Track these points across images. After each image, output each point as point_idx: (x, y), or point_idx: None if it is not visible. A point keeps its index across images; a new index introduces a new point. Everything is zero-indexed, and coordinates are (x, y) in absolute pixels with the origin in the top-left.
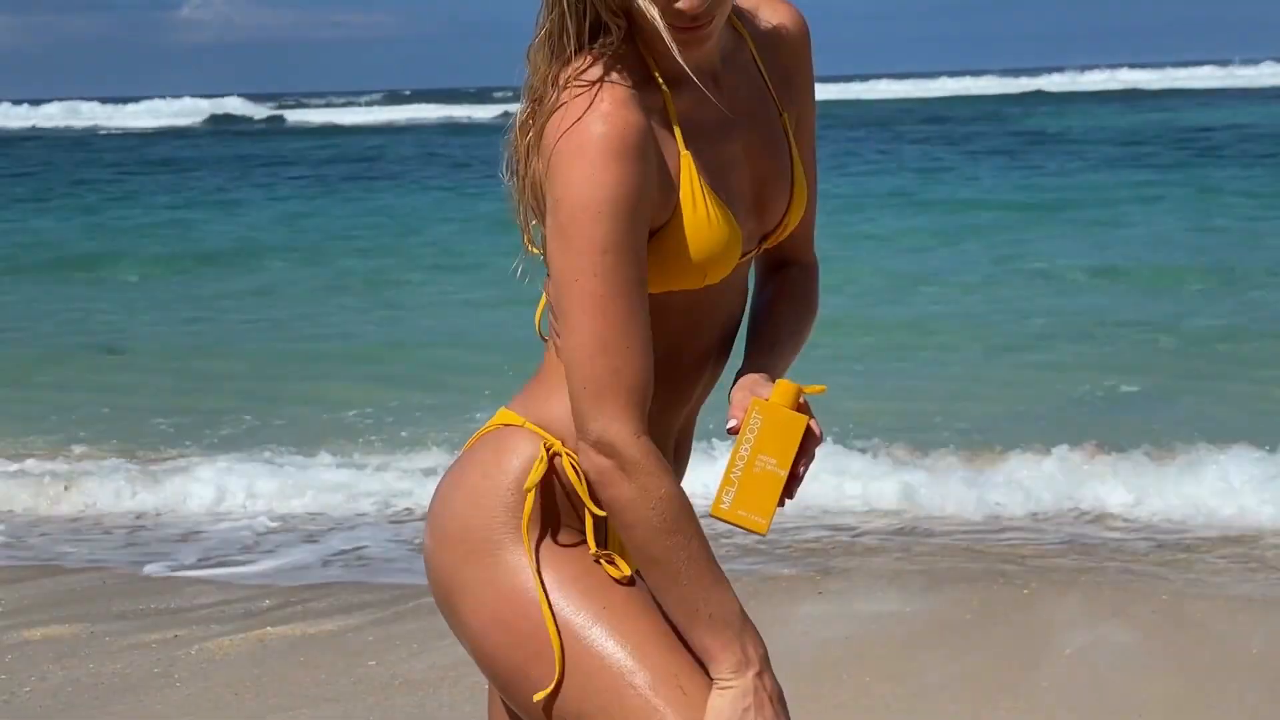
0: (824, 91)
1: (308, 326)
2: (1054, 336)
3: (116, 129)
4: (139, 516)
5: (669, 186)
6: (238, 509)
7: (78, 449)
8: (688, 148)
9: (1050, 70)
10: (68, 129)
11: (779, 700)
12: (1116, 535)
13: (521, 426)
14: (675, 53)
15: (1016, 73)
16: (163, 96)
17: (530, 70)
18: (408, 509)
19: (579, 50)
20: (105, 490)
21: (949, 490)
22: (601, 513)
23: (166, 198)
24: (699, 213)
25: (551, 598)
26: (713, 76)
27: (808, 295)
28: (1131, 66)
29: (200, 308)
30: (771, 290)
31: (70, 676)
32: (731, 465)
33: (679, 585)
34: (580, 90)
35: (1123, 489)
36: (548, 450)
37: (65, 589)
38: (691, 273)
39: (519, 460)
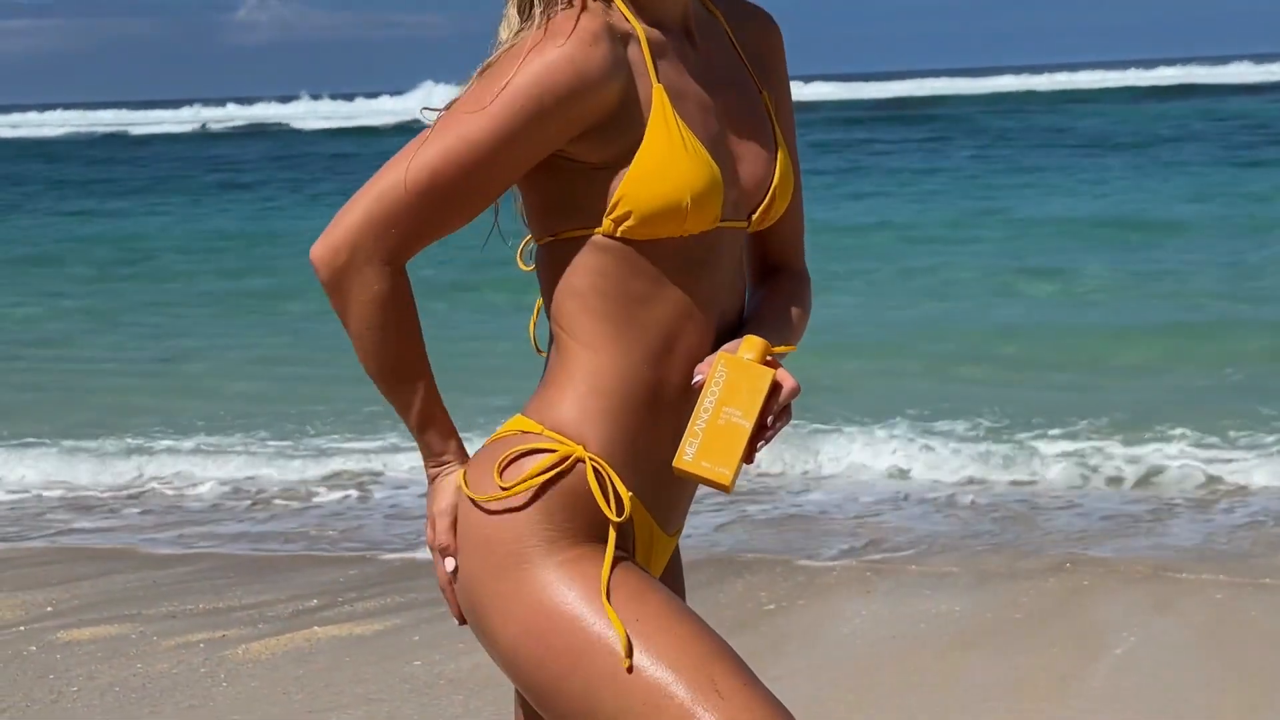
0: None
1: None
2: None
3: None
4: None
5: (633, 106)
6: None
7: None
8: (661, 81)
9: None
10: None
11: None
12: (1169, 533)
13: (540, 433)
14: None
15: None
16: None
17: (505, 25)
18: None
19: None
20: None
21: (999, 489)
22: (619, 519)
23: None
24: (672, 137)
25: (582, 611)
26: (685, 34)
27: (799, 296)
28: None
29: None
30: (763, 292)
31: (118, 677)
32: (695, 417)
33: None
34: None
35: (1175, 487)
36: (568, 456)
37: (116, 588)
38: (672, 210)
39: (539, 469)
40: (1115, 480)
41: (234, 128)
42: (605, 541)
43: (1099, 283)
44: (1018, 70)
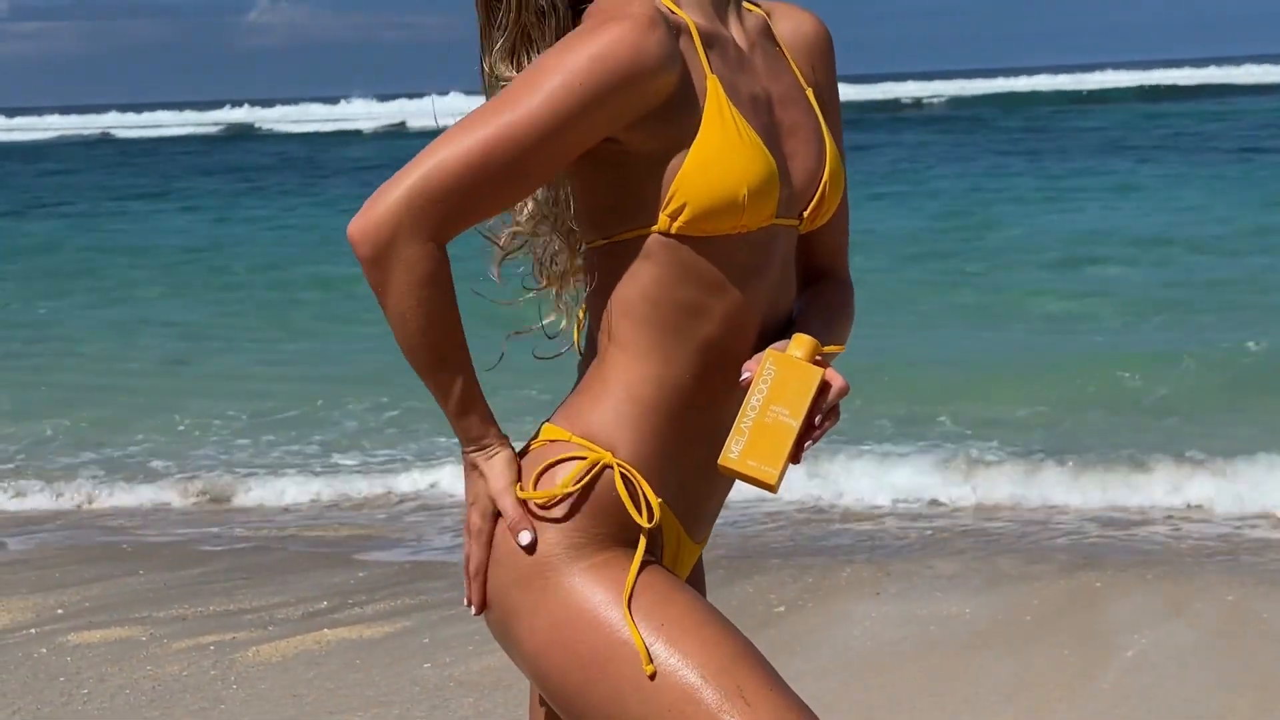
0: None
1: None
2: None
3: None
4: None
5: (690, 96)
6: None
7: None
8: (714, 73)
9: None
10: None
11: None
12: (1181, 534)
13: (568, 441)
14: None
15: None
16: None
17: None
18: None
19: None
20: None
21: (1007, 490)
22: (649, 524)
23: None
24: (727, 129)
25: (608, 616)
26: (730, 29)
27: (844, 300)
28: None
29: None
30: (809, 294)
31: (129, 679)
32: (742, 415)
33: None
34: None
35: (1185, 488)
36: (596, 464)
37: (126, 590)
38: (729, 203)
39: (567, 477)
40: (1125, 481)
41: (238, 129)
42: (632, 546)
43: (1105, 295)
44: (1031, 71)
